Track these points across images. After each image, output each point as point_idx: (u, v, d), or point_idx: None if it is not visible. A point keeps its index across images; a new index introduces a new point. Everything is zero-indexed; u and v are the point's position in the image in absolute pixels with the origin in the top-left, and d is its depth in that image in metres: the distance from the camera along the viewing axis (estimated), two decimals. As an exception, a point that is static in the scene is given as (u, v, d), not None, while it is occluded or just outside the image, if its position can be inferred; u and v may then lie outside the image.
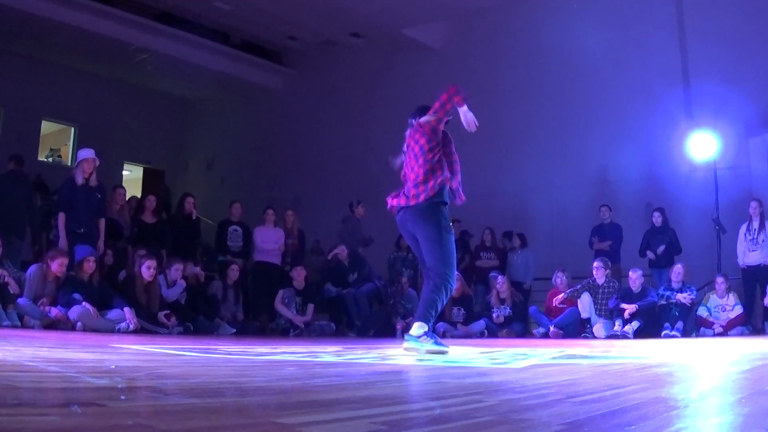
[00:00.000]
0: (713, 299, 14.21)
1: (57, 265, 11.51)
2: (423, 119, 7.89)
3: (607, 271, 14.64)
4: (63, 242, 12.32)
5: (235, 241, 16.08)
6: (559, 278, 15.31)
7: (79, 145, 23.87)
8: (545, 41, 19.39)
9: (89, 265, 11.73)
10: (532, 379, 4.45)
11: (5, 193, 13.89)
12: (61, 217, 12.54)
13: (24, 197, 13.96)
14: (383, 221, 19.04)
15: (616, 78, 18.43)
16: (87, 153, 12.92)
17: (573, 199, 18.65)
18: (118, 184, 18.39)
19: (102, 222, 13.03)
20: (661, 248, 15.61)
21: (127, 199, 15.44)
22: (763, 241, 14.45)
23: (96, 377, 3.64)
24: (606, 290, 14.47)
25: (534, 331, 14.98)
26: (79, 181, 12.68)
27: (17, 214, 13.70)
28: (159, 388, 3.39)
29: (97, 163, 12.91)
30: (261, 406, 2.87)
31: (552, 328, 14.35)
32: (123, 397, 2.86)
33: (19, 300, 11.08)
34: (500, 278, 15.48)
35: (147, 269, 12.33)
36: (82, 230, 12.54)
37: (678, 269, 14.44)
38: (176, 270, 13.26)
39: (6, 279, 11.21)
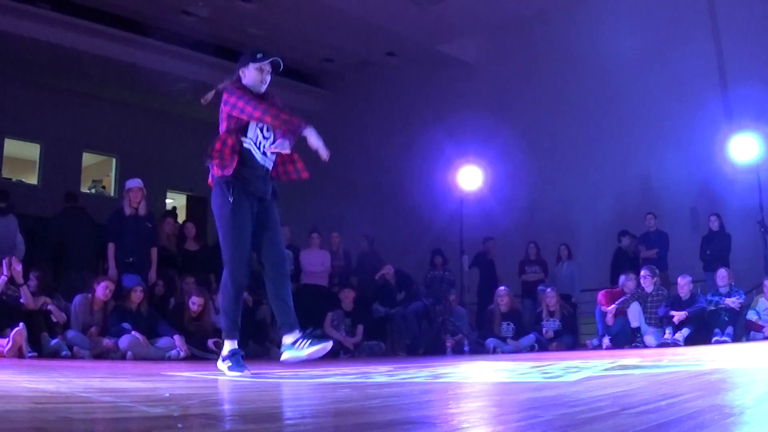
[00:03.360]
0: (762, 302, 14.00)
1: (101, 289, 11.61)
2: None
3: (655, 279, 14.52)
4: (113, 272, 12.45)
5: (287, 264, 16.11)
6: (632, 281, 15.05)
7: (121, 175, 24.04)
8: (580, 50, 19.34)
9: (137, 295, 11.81)
10: (586, 392, 4.40)
11: (67, 231, 14.14)
12: (110, 247, 12.68)
13: (87, 233, 14.09)
14: (415, 240, 19.14)
15: (654, 84, 18.34)
16: (133, 183, 13.03)
17: (616, 207, 18.54)
18: (162, 212, 18.52)
19: (154, 251, 13.17)
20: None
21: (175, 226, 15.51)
22: (809, 241, 14.34)
23: (150, 406, 3.62)
24: (655, 298, 14.35)
25: (587, 342, 14.88)
26: (127, 211, 12.82)
27: (83, 250, 13.82)
28: (214, 415, 3.38)
29: (144, 192, 12.99)
30: (318, 430, 2.85)
31: (606, 341, 14.23)
32: (180, 426, 2.84)
33: (68, 332, 11.12)
34: (549, 291, 15.40)
35: (193, 305, 12.38)
36: (131, 260, 12.62)
37: (722, 273, 14.29)
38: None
39: (48, 306, 11.26)
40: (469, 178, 17.47)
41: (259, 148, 6.88)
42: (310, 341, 6.56)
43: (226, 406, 3.92)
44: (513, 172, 19.20)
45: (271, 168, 6.99)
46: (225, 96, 6.86)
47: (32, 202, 19.89)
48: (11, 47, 20.25)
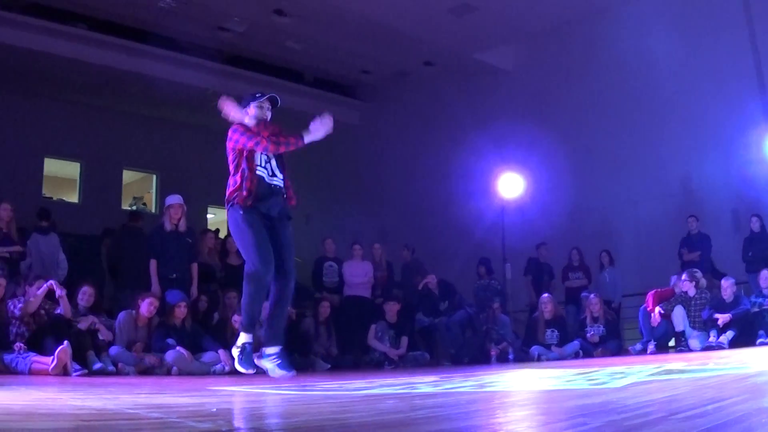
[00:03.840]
0: (806, 303, 13.90)
1: (146, 306, 11.65)
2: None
3: (693, 282, 14.36)
4: (156, 288, 12.45)
5: (331, 277, 16.16)
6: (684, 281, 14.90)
7: (162, 191, 24.18)
8: (617, 54, 19.23)
9: (180, 311, 11.86)
10: (632, 398, 4.39)
11: (123, 248, 14.32)
12: (152, 264, 12.68)
13: (141, 251, 14.18)
14: (457, 248, 19.11)
15: (692, 86, 18.16)
16: (173, 199, 13.08)
17: (658, 211, 18.39)
18: (204, 227, 18.61)
19: (194, 267, 13.18)
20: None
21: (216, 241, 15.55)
22: None
23: (198, 421, 3.63)
24: (698, 302, 14.19)
25: (630, 348, 14.79)
26: (168, 227, 12.87)
27: (140, 268, 13.89)
28: (263, 428, 3.38)
29: (185, 208, 13.03)
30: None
31: (651, 346, 14.12)
32: (229, 440, 2.84)
33: (112, 348, 11.16)
34: (592, 297, 15.31)
35: (235, 323, 12.39)
36: (174, 276, 12.67)
37: (765, 274, 14.12)
38: (265, 308, 13.30)
39: (96, 326, 11.31)
40: (511, 185, 17.41)
41: (266, 169, 7.68)
42: (280, 362, 7.40)
43: (274, 420, 3.92)
44: (554, 178, 19.12)
45: (281, 186, 7.83)
46: (228, 134, 7.73)
47: (73, 220, 20.03)
48: (49, 67, 20.47)
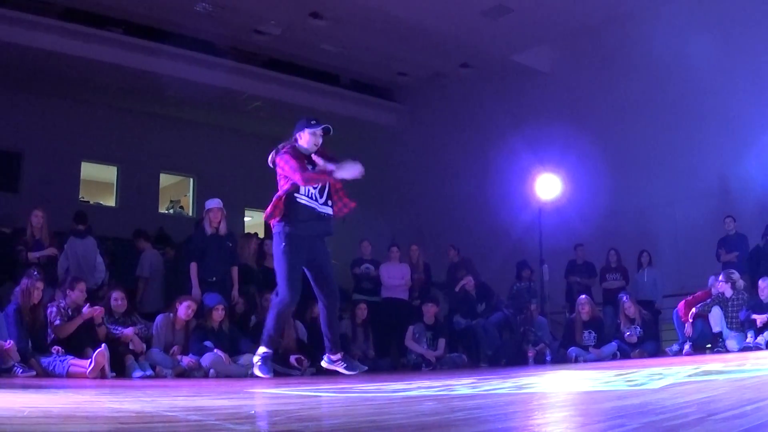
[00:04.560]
0: (843, 303, 13.79)
1: (184, 309, 11.70)
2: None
3: (729, 283, 14.26)
4: (196, 291, 12.47)
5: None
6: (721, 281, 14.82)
7: (199, 195, 24.24)
8: (654, 54, 19.10)
9: (218, 314, 11.88)
10: (670, 399, 4.38)
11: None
12: (193, 266, 12.69)
13: None
14: (494, 250, 19.05)
15: (729, 86, 18.01)
16: (213, 203, 13.08)
17: (695, 212, 18.27)
18: (241, 231, 18.62)
19: (235, 270, 13.19)
20: None
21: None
22: None
23: (237, 423, 3.63)
24: (735, 302, 14.10)
25: (667, 349, 14.72)
26: (209, 231, 12.89)
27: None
28: (301, 431, 3.36)
29: (224, 211, 13.06)
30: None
31: (686, 347, 14.05)
32: (267, 442, 2.84)
33: (150, 350, 11.20)
34: (625, 299, 15.23)
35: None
36: (214, 279, 12.70)
37: (802, 275, 14.08)
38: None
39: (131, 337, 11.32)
40: (548, 186, 17.31)
41: (315, 200, 7.90)
42: (346, 365, 8.04)
43: (312, 422, 3.91)
44: (591, 179, 19.00)
45: (330, 214, 8.05)
46: (277, 160, 7.91)
47: (110, 224, 20.09)
48: (85, 71, 20.55)
